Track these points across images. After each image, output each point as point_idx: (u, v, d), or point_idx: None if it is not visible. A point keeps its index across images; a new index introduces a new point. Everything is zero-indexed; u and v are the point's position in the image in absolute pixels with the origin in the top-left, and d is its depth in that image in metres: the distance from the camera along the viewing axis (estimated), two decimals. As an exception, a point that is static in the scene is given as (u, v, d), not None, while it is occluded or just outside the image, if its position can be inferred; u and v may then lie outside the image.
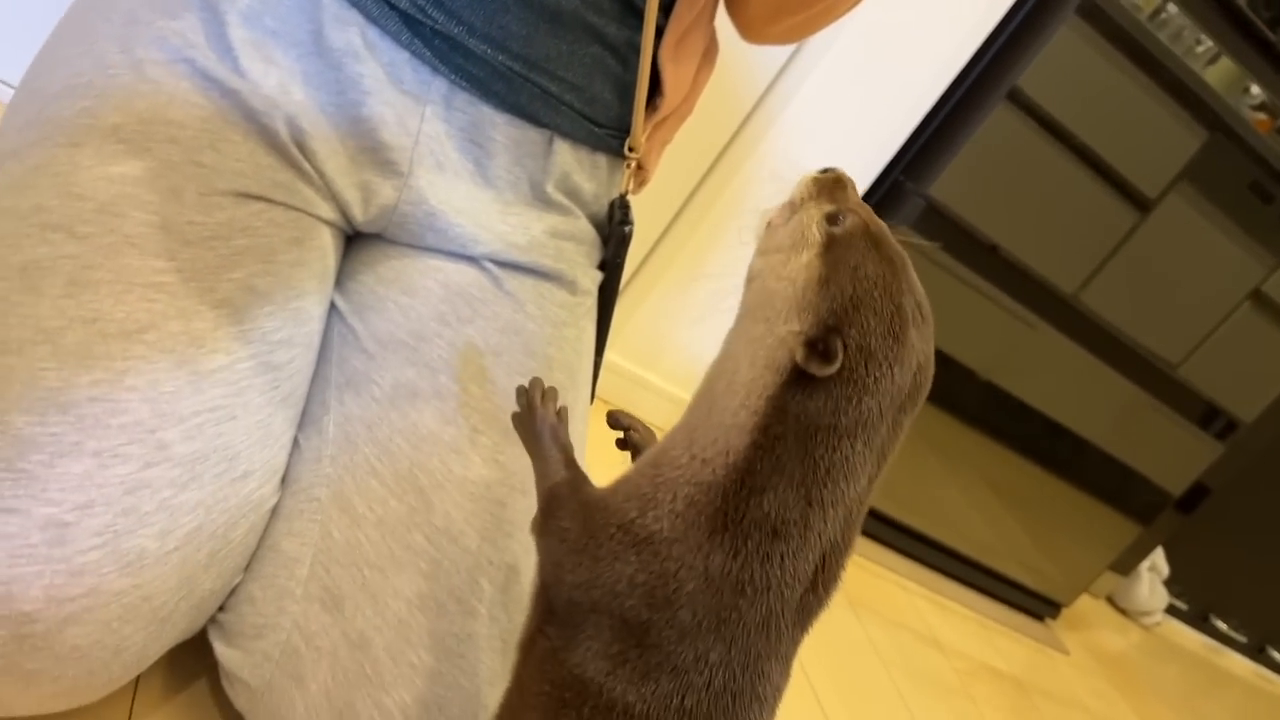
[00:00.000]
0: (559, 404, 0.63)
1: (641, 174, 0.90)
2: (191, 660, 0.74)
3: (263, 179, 0.71)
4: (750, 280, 0.55)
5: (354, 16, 0.72)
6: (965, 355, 1.88)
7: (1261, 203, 1.96)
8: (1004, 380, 1.95)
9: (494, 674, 0.69)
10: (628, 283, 1.48)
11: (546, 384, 0.67)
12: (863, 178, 1.57)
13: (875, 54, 1.45)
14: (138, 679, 0.72)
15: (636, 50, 0.80)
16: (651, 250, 1.48)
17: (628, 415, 0.65)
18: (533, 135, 0.79)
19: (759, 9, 0.85)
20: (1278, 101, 1.88)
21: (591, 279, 0.86)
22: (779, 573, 0.50)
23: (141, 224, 0.65)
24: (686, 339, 1.56)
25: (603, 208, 0.87)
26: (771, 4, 0.85)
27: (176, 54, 0.70)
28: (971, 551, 1.99)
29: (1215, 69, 1.78)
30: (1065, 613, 2.20)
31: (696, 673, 0.50)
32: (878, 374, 0.50)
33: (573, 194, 0.84)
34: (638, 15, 0.78)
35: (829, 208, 0.55)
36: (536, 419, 0.60)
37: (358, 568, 0.67)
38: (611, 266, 0.88)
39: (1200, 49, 1.76)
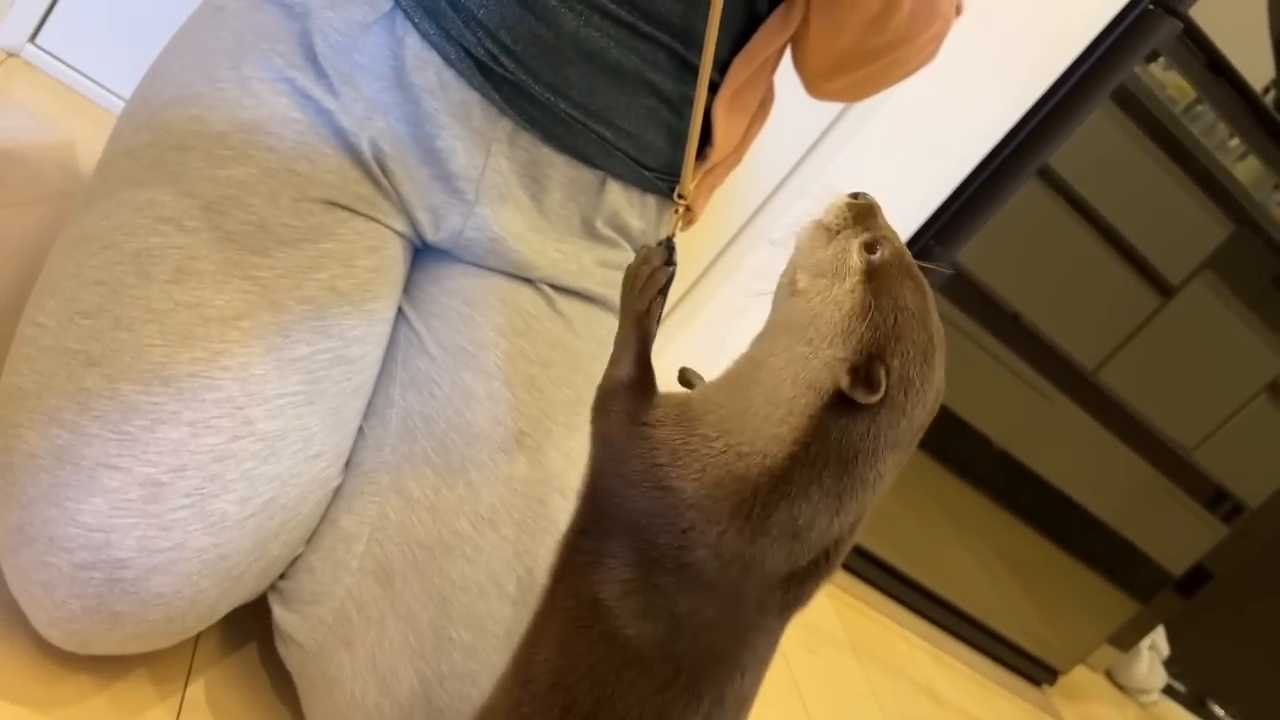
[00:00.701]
0: (661, 294, 0.65)
1: (689, 215, 0.98)
2: (247, 624, 0.80)
3: (348, 191, 0.79)
4: (789, 295, 0.58)
5: (433, 58, 0.80)
6: (982, 422, 1.93)
7: (1283, 297, 2.01)
8: (1018, 449, 2.00)
9: (524, 657, 0.75)
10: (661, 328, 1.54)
11: (591, 392, 0.73)
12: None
13: (917, 121, 1.52)
14: (198, 635, 0.79)
15: (690, 103, 0.86)
16: (686, 293, 1.56)
17: (697, 375, 0.68)
18: (587, 176, 0.86)
19: (818, 64, 0.91)
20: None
21: (635, 307, 0.93)
22: (785, 565, 0.55)
23: (243, 222, 0.73)
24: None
25: (649, 239, 0.94)
26: (830, 60, 0.90)
27: (278, 74, 0.78)
28: (975, 611, 2.03)
29: (1244, 165, 1.84)
30: (1062, 682, 2.22)
31: (688, 625, 0.54)
32: (914, 400, 0.54)
33: (621, 230, 0.91)
34: (693, 72, 0.85)
35: (866, 235, 0.58)
36: (633, 295, 0.64)
37: (409, 547, 0.74)
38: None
39: (1231, 144, 1.82)
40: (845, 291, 0.55)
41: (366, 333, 0.78)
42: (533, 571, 0.76)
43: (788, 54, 0.93)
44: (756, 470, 0.54)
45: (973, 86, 1.53)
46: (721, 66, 0.87)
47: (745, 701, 0.59)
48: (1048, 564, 2.12)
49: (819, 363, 0.54)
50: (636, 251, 0.93)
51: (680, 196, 0.91)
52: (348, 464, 0.78)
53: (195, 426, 0.66)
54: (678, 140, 0.88)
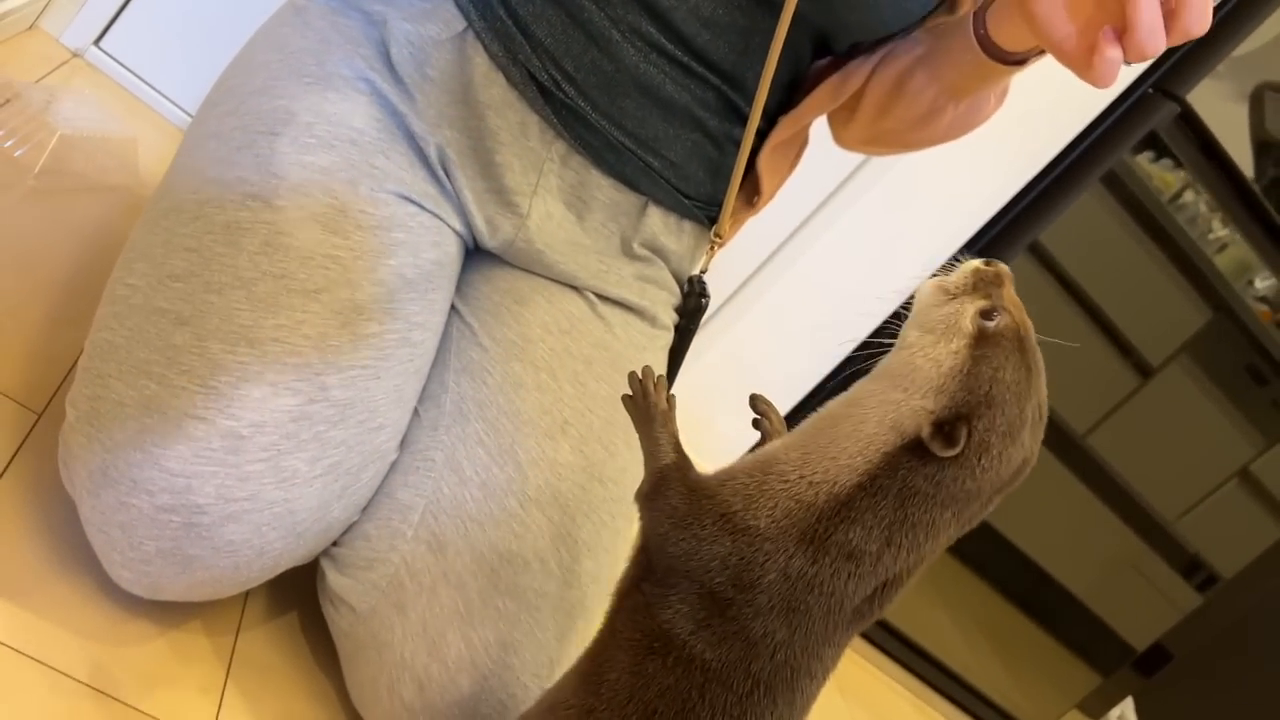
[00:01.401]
0: (668, 393, 0.70)
1: (720, 245, 1.04)
2: (290, 594, 0.84)
3: (418, 188, 0.84)
4: (900, 348, 0.62)
5: (499, 78, 0.85)
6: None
7: (1256, 385, 2.09)
8: (997, 520, 2.05)
9: (563, 632, 0.79)
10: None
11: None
12: (891, 302, 1.70)
13: (916, 192, 1.60)
14: (246, 598, 0.82)
15: (733, 141, 0.92)
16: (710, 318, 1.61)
17: (766, 401, 0.73)
18: (631, 199, 0.92)
19: (857, 133, 0.97)
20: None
21: (670, 318, 0.98)
22: (844, 586, 0.59)
23: (326, 205, 0.78)
24: (722, 426, 1.66)
25: (683, 265, 1.00)
26: (868, 135, 0.96)
27: (360, 73, 0.84)
28: (956, 667, 2.06)
29: (1224, 256, 1.93)
30: (1036, 745, 2.25)
31: (764, 646, 0.59)
32: (986, 465, 0.57)
33: (658, 251, 0.96)
34: (738, 113, 0.91)
35: (984, 303, 0.60)
36: (649, 403, 0.68)
37: (461, 520, 0.77)
38: (684, 332, 1.00)
39: (1212, 236, 1.91)
40: (949, 351, 0.59)
41: (427, 320, 0.83)
42: (573, 552, 0.80)
43: None
44: (824, 497, 0.59)
45: (969, 161, 1.61)
46: (769, 115, 0.92)
47: (813, 699, 0.63)
48: (1018, 632, 2.16)
49: (907, 410, 0.58)
50: (673, 269, 0.99)
51: (717, 235, 0.97)
52: (404, 443, 0.82)
53: (276, 387, 0.70)
54: (717, 173, 0.94)
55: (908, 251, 1.63)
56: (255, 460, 0.69)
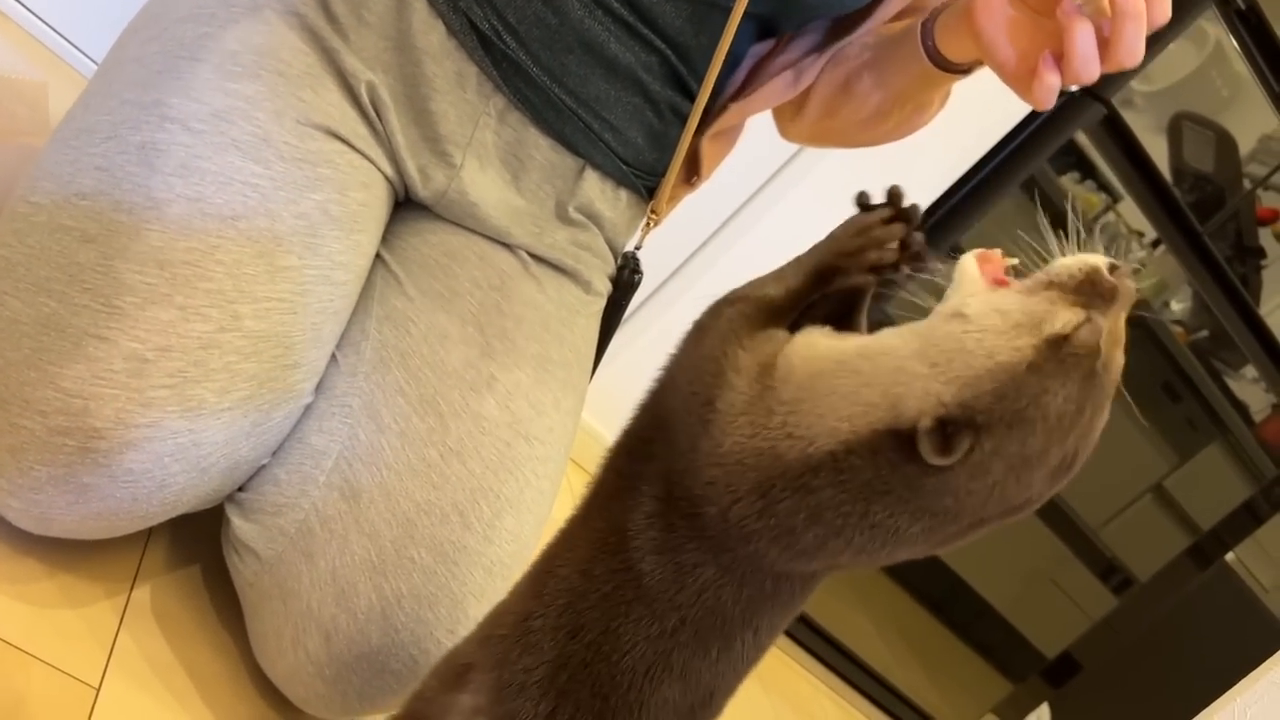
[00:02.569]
0: (914, 244, 0.57)
1: (654, 218, 1.02)
2: (193, 546, 0.80)
3: (347, 127, 0.81)
4: (950, 314, 0.51)
5: (438, 26, 0.83)
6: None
7: (1171, 402, 2.14)
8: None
9: (480, 589, 0.76)
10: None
11: (560, 352, 0.72)
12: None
13: (849, 183, 1.59)
14: (145, 543, 0.77)
15: (676, 112, 0.90)
16: (633, 313, 1.59)
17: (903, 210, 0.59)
18: (568, 161, 0.90)
19: (803, 128, 0.95)
20: (1194, 320, 2.09)
21: (603, 286, 0.96)
22: (778, 554, 0.52)
23: (248, 133, 0.74)
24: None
25: (617, 234, 0.98)
26: (814, 131, 0.95)
27: (290, 7, 0.81)
28: (878, 669, 2.07)
29: (1142, 277, 1.98)
30: (953, 751, 2.27)
31: (692, 579, 0.53)
32: (974, 490, 0.48)
33: (593, 217, 0.94)
34: (681, 82, 0.89)
35: (1083, 315, 0.49)
36: (847, 237, 0.56)
37: (377, 468, 0.74)
38: (615, 306, 0.98)
39: (1132, 257, 1.95)
40: (1011, 345, 0.48)
41: (351, 261, 0.79)
42: (495, 508, 0.78)
43: None
44: (795, 454, 0.50)
45: (903, 157, 1.60)
46: (714, 93, 0.91)
47: (760, 653, 0.57)
48: (937, 638, 2.18)
49: (920, 388, 0.48)
50: (607, 238, 0.97)
51: (653, 212, 0.95)
52: (320, 388, 0.78)
53: (185, 311, 0.67)
54: (657, 142, 0.92)
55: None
56: (159, 386, 0.65)
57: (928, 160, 1.65)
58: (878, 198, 0.59)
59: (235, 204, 0.71)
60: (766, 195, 1.58)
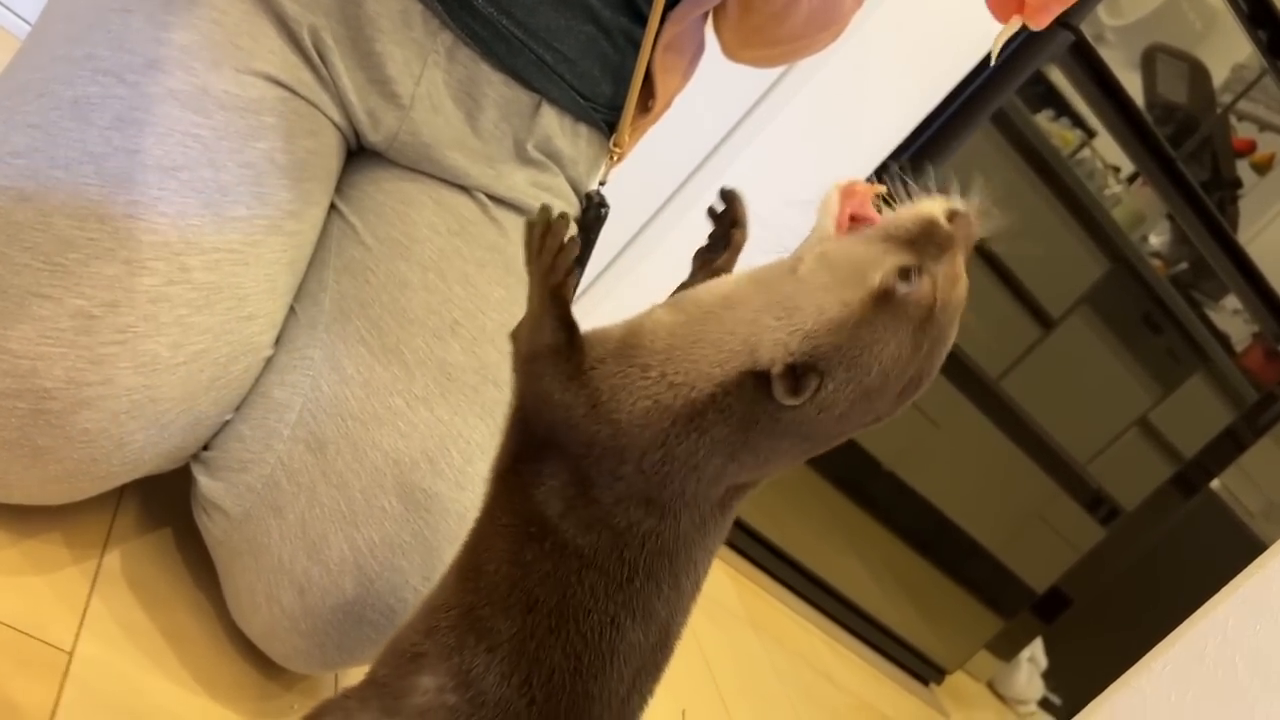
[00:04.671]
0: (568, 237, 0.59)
1: (618, 153, 1.00)
2: (163, 509, 0.78)
3: (290, 73, 0.79)
4: (789, 268, 0.55)
5: None
6: (872, 445, 1.99)
7: (1152, 334, 2.14)
8: (904, 471, 2.07)
9: (453, 536, 0.75)
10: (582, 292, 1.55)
11: (523, 293, 0.72)
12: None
13: (819, 124, 1.58)
14: (115, 507, 0.76)
15: (629, 38, 0.89)
16: (607, 267, 1.58)
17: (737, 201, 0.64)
18: (523, 97, 0.88)
19: (731, 37, 0.95)
20: (1173, 252, 2.09)
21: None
22: (694, 488, 0.56)
23: (185, 83, 0.72)
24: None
25: (579, 172, 0.96)
26: (741, 36, 0.94)
27: None
28: (867, 607, 2.08)
29: (1120, 210, 1.97)
30: (948, 683, 2.29)
31: (632, 535, 0.56)
32: (827, 419, 0.53)
33: (553, 156, 0.92)
34: (633, 8, 0.88)
35: (909, 261, 0.52)
36: (545, 271, 0.59)
37: (342, 419, 0.73)
38: (583, 246, 0.97)
39: (1109, 191, 1.94)
40: (839, 300, 0.52)
41: (302, 210, 0.78)
42: (466, 453, 0.76)
43: None
44: (680, 401, 0.55)
45: (871, 91, 1.60)
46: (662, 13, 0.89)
47: (700, 582, 0.60)
48: (925, 577, 2.19)
49: (770, 340, 0.53)
50: (568, 176, 0.95)
51: (616, 146, 0.94)
52: (280, 341, 0.77)
53: (131, 265, 0.65)
54: (612, 73, 0.91)
55: (810, 185, 1.62)
56: (109, 343, 0.64)
57: (895, 96, 1.63)
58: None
59: (176, 155, 0.69)
60: (737, 138, 1.56)
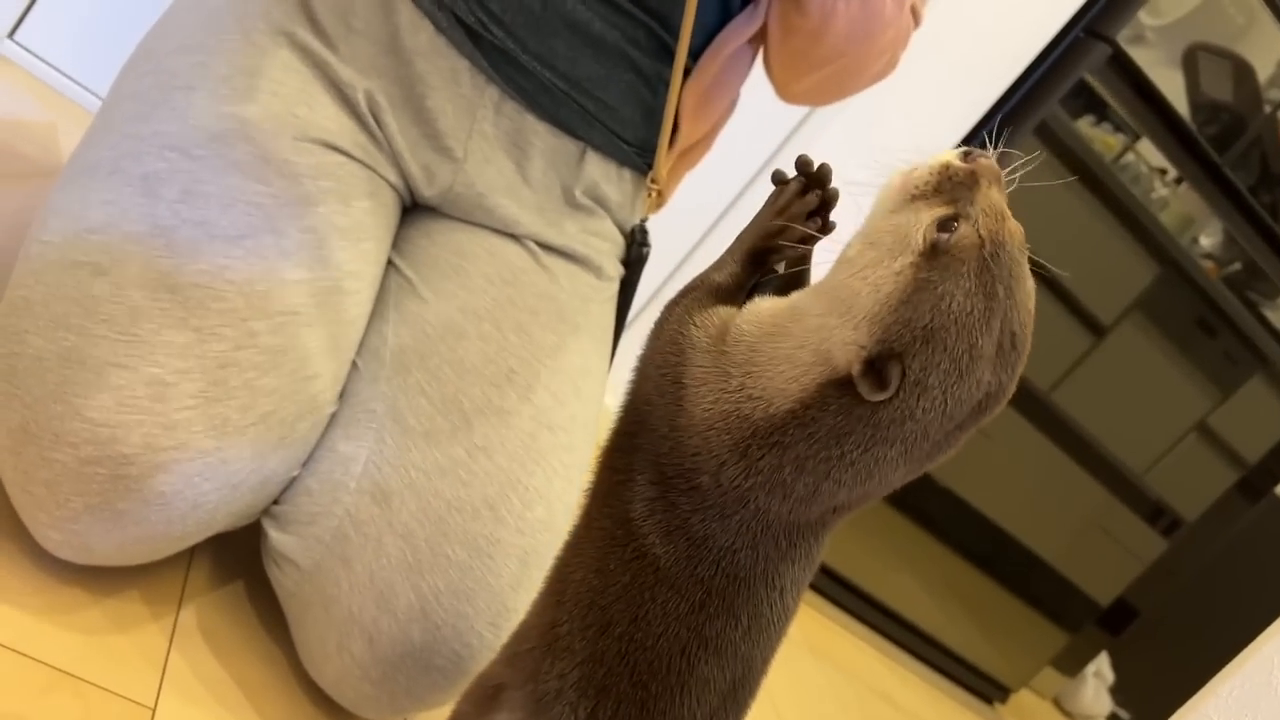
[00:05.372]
0: (826, 211, 0.59)
1: (660, 198, 1.02)
2: (234, 564, 0.81)
3: (345, 137, 0.82)
4: (841, 262, 0.53)
5: (425, 25, 0.84)
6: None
7: (1207, 338, 2.11)
8: (958, 486, 2.05)
9: (516, 580, 0.77)
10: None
11: (576, 341, 0.72)
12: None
13: (855, 151, 1.59)
14: (188, 564, 0.79)
15: (667, 83, 0.91)
16: (647, 304, 1.60)
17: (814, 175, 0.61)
18: (568, 145, 0.90)
19: (776, 65, 0.95)
20: (1225, 253, 2.06)
21: (615, 270, 0.96)
22: (779, 508, 0.54)
23: (247, 154, 0.75)
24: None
25: (625, 215, 0.98)
26: (784, 61, 0.94)
27: (279, 27, 0.82)
28: (926, 627, 2.06)
29: (1168, 213, 1.95)
30: (1012, 702, 2.26)
31: (708, 549, 0.54)
32: (928, 407, 0.50)
33: (600, 200, 0.95)
34: (669, 53, 0.89)
35: (944, 211, 0.51)
36: (770, 213, 0.58)
37: (405, 469, 0.75)
38: (628, 285, 0.99)
39: (1155, 195, 1.93)
40: (890, 273, 0.50)
41: (361, 269, 0.80)
42: (525, 499, 0.78)
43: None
44: (759, 415, 0.53)
45: (907, 114, 1.61)
46: (695, 55, 0.91)
47: (789, 615, 0.58)
48: (986, 594, 2.17)
49: (839, 340, 0.51)
50: (616, 220, 0.97)
51: (653, 181, 0.96)
52: (344, 396, 0.79)
53: (201, 332, 0.68)
54: (652, 117, 0.93)
55: (850, 212, 1.63)
56: (182, 408, 0.67)
57: (936, 117, 1.64)
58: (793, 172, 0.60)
59: (240, 224, 0.72)
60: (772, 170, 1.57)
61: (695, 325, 0.57)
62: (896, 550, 2.03)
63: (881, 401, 0.50)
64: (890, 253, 0.51)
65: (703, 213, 1.59)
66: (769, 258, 0.59)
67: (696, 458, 0.54)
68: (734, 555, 0.54)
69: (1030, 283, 0.52)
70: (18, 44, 1.29)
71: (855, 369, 0.50)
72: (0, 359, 0.67)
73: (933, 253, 0.50)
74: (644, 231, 0.99)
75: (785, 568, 0.56)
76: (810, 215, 0.59)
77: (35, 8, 1.28)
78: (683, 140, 0.96)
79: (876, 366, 0.49)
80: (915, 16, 0.94)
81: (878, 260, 0.51)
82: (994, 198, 0.52)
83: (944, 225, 0.50)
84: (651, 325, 0.60)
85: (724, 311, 0.57)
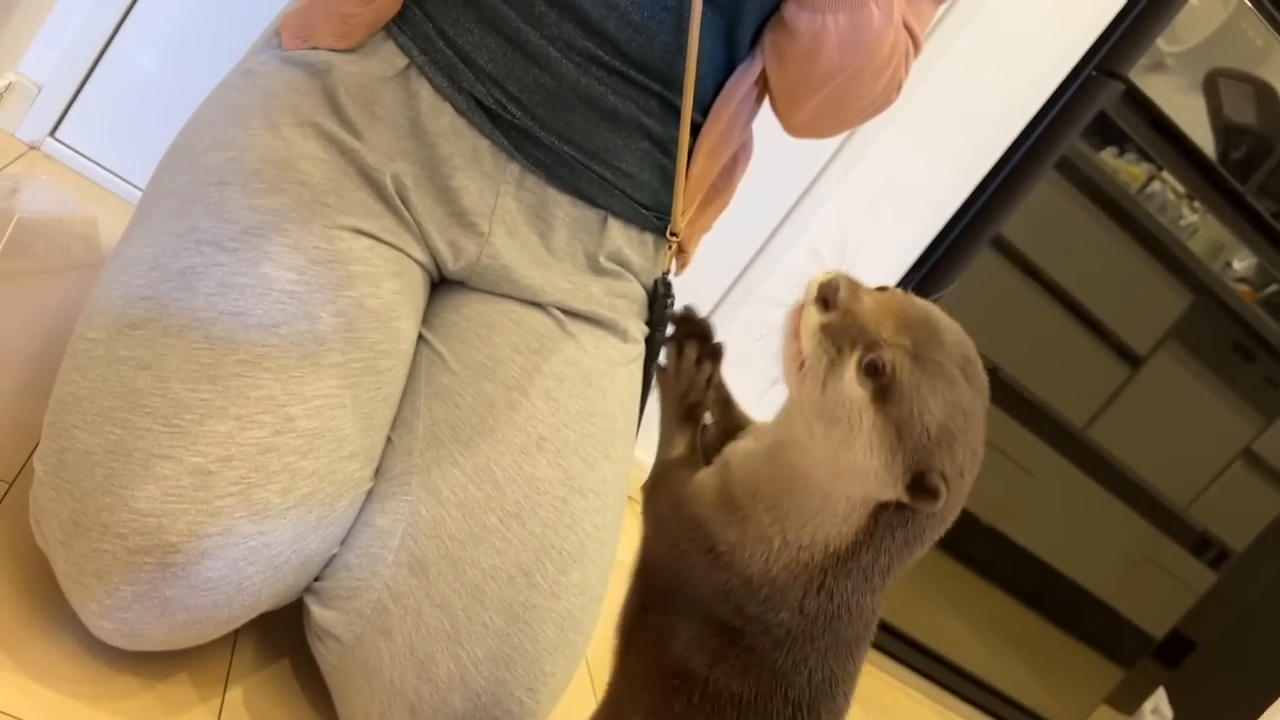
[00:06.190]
0: (711, 349, 0.64)
1: (683, 256, 1.04)
2: (279, 641, 0.83)
3: (373, 222, 0.85)
4: (814, 440, 0.55)
5: (446, 108, 0.87)
6: (967, 500, 1.96)
7: (1246, 363, 2.09)
8: (1001, 523, 2.04)
9: (553, 645, 0.78)
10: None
11: (604, 404, 0.73)
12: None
13: (874, 201, 1.61)
14: (234, 645, 0.81)
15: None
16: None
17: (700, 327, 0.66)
18: (590, 214, 0.93)
19: (776, 95, 0.97)
20: (1260, 276, 2.04)
21: (640, 331, 0.99)
22: (861, 609, 0.58)
23: (279, 245, 0.78)
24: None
25: (649, 276, 1.00)
26: (784, 90, 0.95)
27: (305, 119, 0.85)
28: (977, 671, 2.04)
29: (1198, 240, 1.95)
30: (1069, 745, 2.22)
31: (796, 673, 0.57)
32: (968, 478, 0.55)
33: (623, 263, 0.97)
34: (680, 118, 0.92)
35: (858, 355, 0.53)
36: (681, 391, 0.63)
37: (441, 540, 0.77)
38: (652, 339, 1.01)
39: (1184, 222, 1.92)
40: (868, 430, 0.53)
41: (393, 348, 0.83)
42: (559, 564, 0.80)
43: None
44: (821, 556, 0.57)
45: (924, 161, 1.63)
46: (704, 109, 0.94)
47: (858, 675, 0.62)
48: (1037, 633, 2.14)
49: (875, 486, 0.54)
50: (641, 283, 0.99)
51: (673, 234, 0.98)
52: (379, 470, 0.82)
53: (241, 420, 0.70)
54: (669, 180, 0.95)
55: (872, 263, 1.65)
56: (225, 495, 0.69)
57: (953, 157, 1.65)
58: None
59: (275, 313, 0.75)
60: (797, 217, 1.59)
61: (691, 500, 0.60)
62: (943, 593, 2.02)
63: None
64: (850, 419, 0.54)
65: (725, 268, 1.61)
66: (696, 413, 0.64)
67: (769, 602, 0.57)
68: (824, 661, 0.58)
69: (946, 321, 0.56)
70: (59, 141, 1.35)
71: (905, 497, 0.54)
72: (50, 454, 0.70)
73: (882, 394, 0.53)
74: (668, 285, 1.01)
75: (861, 647, 0.61)
76: (699, 360, 0.65)
77: (74, 107, 1.34)
78: (695, 185, 0.97)
79: (923, 486, 0.53)
80: (913, 38, 0.95)
81: (849, 432, 0.54)
82: (869, 306, 0.54)
83: (869, 369, 0.53)
84: (641, 519, 0.64)
85: (703, 475, 0.61)
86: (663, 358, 0.68)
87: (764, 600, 0.56)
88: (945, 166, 1.64)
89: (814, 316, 0.55)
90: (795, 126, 0.99)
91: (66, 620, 0.71)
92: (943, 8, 0.96)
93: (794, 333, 0.56)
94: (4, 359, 0.93)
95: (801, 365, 0.55)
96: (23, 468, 0.82)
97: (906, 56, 0.95)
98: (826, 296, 0.55)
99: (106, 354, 0.72)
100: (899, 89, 0.97)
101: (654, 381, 1.02)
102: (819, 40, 0.87)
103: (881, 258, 1.67)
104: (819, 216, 1.59)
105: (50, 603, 0.72)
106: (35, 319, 1.01)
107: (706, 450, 0.65)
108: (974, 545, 2.02)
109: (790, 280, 0.57)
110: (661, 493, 0.62)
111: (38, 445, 0.80)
